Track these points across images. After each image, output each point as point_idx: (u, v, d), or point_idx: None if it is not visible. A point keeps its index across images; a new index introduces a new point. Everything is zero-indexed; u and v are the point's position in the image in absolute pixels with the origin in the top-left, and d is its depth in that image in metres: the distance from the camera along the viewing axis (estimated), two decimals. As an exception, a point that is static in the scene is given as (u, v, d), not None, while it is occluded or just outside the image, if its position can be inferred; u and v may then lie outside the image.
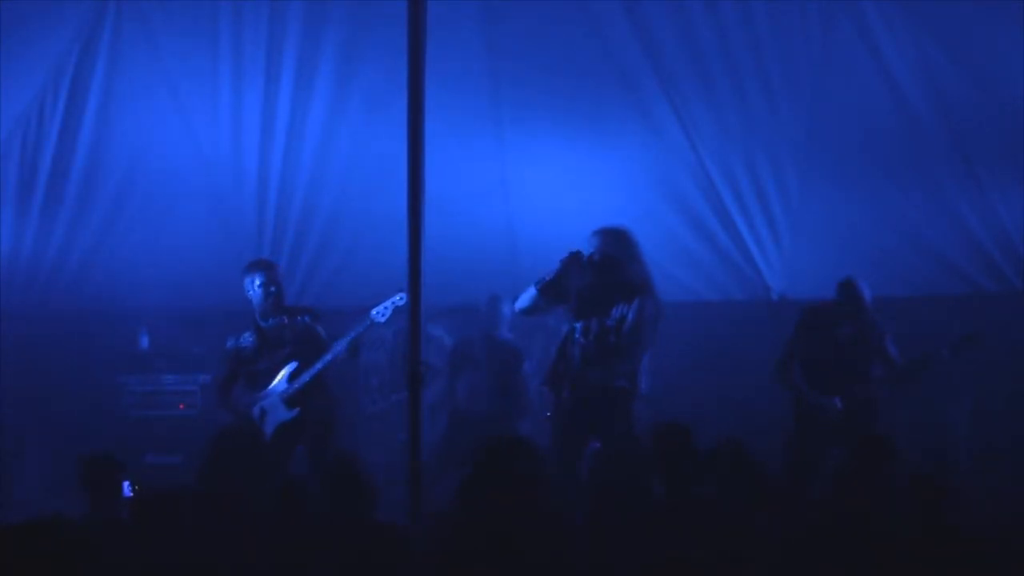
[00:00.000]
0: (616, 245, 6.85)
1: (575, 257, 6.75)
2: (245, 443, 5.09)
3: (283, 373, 7.54)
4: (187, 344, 9.31)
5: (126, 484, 7.00)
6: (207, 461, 5.08)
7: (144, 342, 9.30)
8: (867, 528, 4.55)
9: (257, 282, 7.61)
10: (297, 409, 7.50)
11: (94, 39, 8.96)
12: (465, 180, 9.00)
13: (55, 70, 9.00)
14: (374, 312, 7.54)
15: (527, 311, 7.06)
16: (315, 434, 7.38)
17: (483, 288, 9.29)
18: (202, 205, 9.36)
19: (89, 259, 9.46)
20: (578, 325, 6.85)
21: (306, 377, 7.51)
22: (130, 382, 9.20)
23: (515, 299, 7.27)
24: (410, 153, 5.61)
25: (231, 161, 9.33)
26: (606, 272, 6.80)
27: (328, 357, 7.44)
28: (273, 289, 7.60)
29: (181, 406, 9.13)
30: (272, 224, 9.47)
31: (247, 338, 7.66)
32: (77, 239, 9.40)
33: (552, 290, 6.85)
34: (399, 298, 7.36)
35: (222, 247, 9.44)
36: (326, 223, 9.47)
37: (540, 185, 9.20)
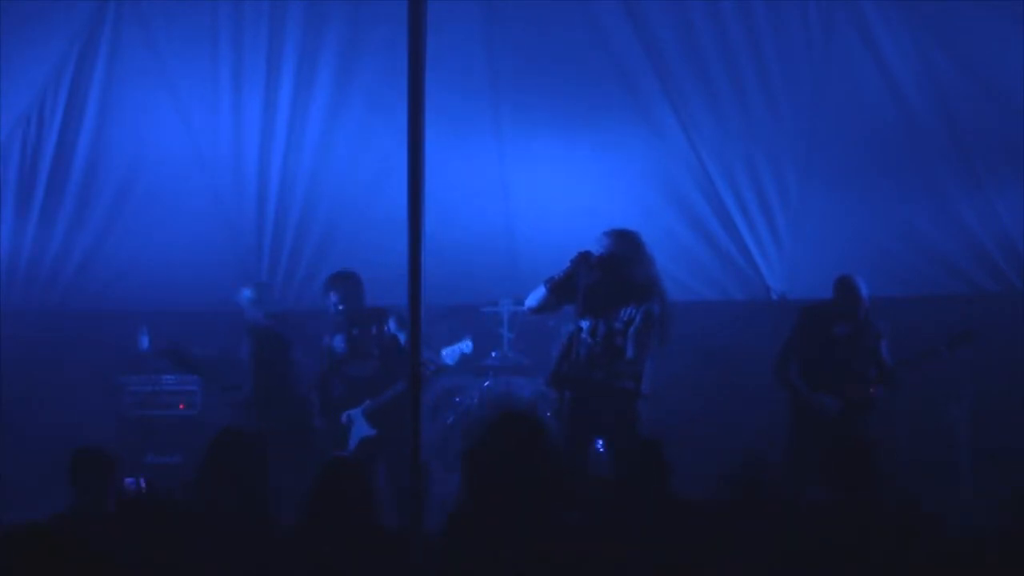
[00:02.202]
0: (625, 246, 6.86)
1: (584, 257, 6.76)
2: (243, 447, 5.08)
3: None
4: (187, 344, 9.30)
5: (130, 481, 7.05)
6: (204, 464, 5.07)
7: (144, 342, 9.29)
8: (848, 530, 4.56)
9: (331, 300, 7.96)
10: (376, 428, 7.65)
11: (94, 39, 8.96)
12: (465, 180, 9.01)
13: (55, 70, 9.00)
14: (444, 353, 7.77)
15: (536, 309, 7.09)
16: (393, 454, 7.37)
17: (483, 288, 9.30)
18: (202, 205, 9.36)
19: (89, 259, 9.47)
20: (585, 325, 6.86)
21: (382, 398, 7.67)
22: (130, 382, 9.20)
23: (517, 298, 7.27)
24: (410, 153, 5.59)
25: (231, 161, 9.33)
26: (614, 273, 6.81)
27: (399, 387, 7.56)
28: (341, 307, 7.92)
29: (181, 406, 9.12)
30: (272, 224, 9.47)
31: (339, 340, 7.94)
32: (77, 239, 9.40)
33: (561, 289, 6.86)
34: (466, 346, 8.22)
35: (222, 247, 9.46)
36: (326, 223, 9.47)
37: (540, 186, 9.20)
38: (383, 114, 8.68)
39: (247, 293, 8.44)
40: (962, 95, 8.54)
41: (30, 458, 8.55)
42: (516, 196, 9.32)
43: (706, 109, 8.94)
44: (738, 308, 9.25)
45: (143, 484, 7.33)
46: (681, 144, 9.01)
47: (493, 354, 9.31)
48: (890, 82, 8.63)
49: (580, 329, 6.88)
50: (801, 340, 7.56)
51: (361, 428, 7.76)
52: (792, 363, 7.55)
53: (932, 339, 7.55)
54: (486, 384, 9.12)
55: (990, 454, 8.34)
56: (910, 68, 8.59)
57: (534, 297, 7.02)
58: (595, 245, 6.85)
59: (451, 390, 9.11)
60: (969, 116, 8.58)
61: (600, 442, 7.21)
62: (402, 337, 7.80)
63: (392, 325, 7.86)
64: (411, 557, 4.24)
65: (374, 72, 8.88)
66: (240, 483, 4.88)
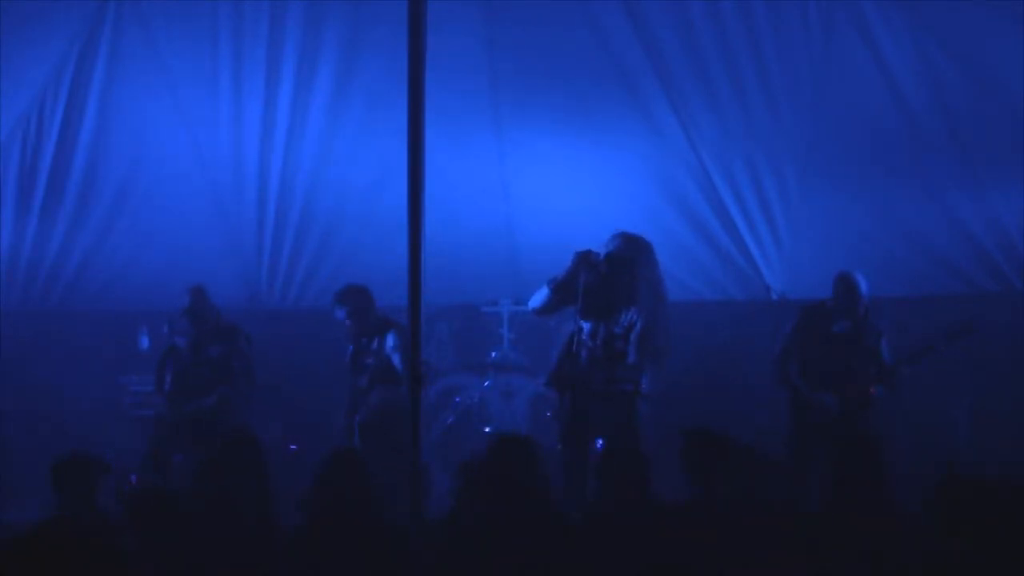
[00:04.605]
0: (633, 249, 6.85)
1: (584, 255, 6.75)
2: (245, 451, 5.08)
3: None
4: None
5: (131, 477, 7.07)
6: (207, 465, 5.07)
7: (144, 342, 9.28)
8: (854, 531, 4.55)
9: (338, 315, 8.15)
10: (367, 439, 7.88)
11: (94, 39, 8.96)
12: (465, 180, 9.00)
13: (55, 70, 9.00)
14: None
15: (539, 311, 7.08)
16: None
17: (483, 288, 9.30)
18: (202, 205, 9.36)
19: (89, 259, 9.46)
20: (586, 327, 6.86)
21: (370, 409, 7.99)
22: (130, 382, 9.19)
23: (517, 298, 7.26)
24: (410, 153, 5.60)
25: (231, 161, 9.33)
26: (618, 275, 6.80)
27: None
28: (348, 323, 8.16)
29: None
30: (272, 224, 9.47)
31: (348, 352, 8.24)
32: (77, 239, 9.40)
33: (564, 289, 6.85)
34: None
35: (222, 247, 9.45)
36: (326, 223, 9.47)
37: (540, 185, 9.20)
38: (383, 114, 8.67)
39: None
40: (962, 95, 8.54)
41: (30, 458, 8.55)
42: (516, 196, 9.32)
43: (706, 109, 8.93)
44: (738, 308, 9.25)
45: (133, 480, 7.36)
46: (681, 144, 9.01)
47: (493, 354, 9.31)
48: (890, 82, 8.63)
49: (580, 330, 6.87)
50: (801, 339, 7.55)
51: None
52: (792, 362, 7.54)
53: (932, 339, 7.54)
54: (486, 384, 9.12)
55: (990, 453, 8.33)
56: (910, 68, 8.59)
57: (537, 298, 7.02)
58: (604, 245, 6.85)
59: (451, 390, 9.10)
60: (969, 116, 8.57)
61: (600, 442, 7.21)
62: (396, 358, 7.93)
63: (390, 342, 7.97)
64: (411, 555, 4.25)
65: (374, 72, 8.88)
66: (240, 482, 4.88)
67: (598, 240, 7.00)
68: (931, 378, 7.85)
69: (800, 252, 9.10)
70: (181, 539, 4.53)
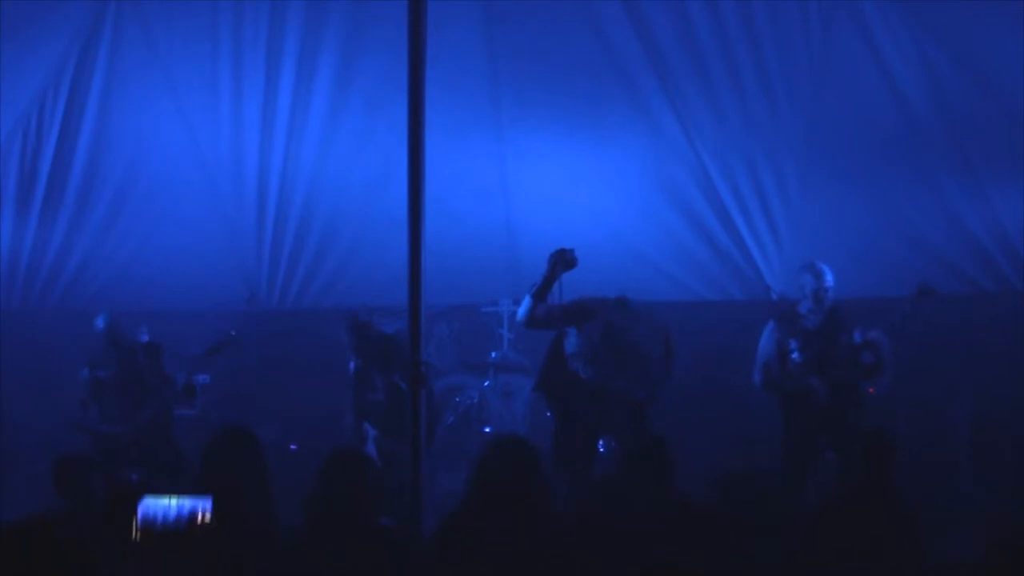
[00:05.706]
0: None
1: (560, 255, 6.74)
2: (243, 447, 5.08)
3: None
4: (187, 344, 9.29)
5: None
6: (205, 464, 5.07)
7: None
8: (869, 530, 4.54)
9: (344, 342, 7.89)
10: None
11: (94, 39, 8.98)
12: (465, 180, 9.01)
13: (55, 70, 9.01)
14: None
15: (527, 323, 6.96)
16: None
17: (483, 288, 9.31)
18: (202, 205, 9.36)
19: (89, 259, 9.47)
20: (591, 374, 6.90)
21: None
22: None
23: (517, 298, 7.25)
24: (410, 153, 5.60)
25: (231, 161, 9.34)
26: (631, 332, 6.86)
27: None
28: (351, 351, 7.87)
29: (181, 406, 9.11)
30: (272, 224, 9.48)
31: (351, 365, 7.95)
32: (77, 239, 9.41)
33: (546, 294, 6.83)
34: None
35: (222, 247, 9.46)
36: (326, 223, 9.48)
37: (540, 184, 9.21)
38: (383, 114, 8.68)
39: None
40: (962, 95, 8.54)
41: (30, 458, 8.55)
42: (516, 195, 9.32)
43: (706, 109, 8.94)
44: (738, 308, 9.25)
45: (133, 479, 7.36)
46: (681, 144, 9.02)
47: (493, 354, 9.31)
48: (890, 82, 8.64)
49: (570, 333, 6.92)
50: (777, 339, 7.52)
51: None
52: (773, 363, 7.51)
53: (932, 339, 7.53)
54: (486, 384, 9.13)
55: (990, 454, 8.34)
56: (910, 68, 8.59)
57: (522, 309, 6.93)
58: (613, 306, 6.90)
59: (451, 390, 9.10)
60: (969, 116, 8.57)
61: (601, 443, 7.22)
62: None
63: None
64: (410, 555, 4.25)
65: (374, 72, 8.89)
66: (239, 482, 4.88)
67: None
68: (931, 378, 7.85)
69: (800, 252, 9.08)
70: (180, 538, 4.53)
